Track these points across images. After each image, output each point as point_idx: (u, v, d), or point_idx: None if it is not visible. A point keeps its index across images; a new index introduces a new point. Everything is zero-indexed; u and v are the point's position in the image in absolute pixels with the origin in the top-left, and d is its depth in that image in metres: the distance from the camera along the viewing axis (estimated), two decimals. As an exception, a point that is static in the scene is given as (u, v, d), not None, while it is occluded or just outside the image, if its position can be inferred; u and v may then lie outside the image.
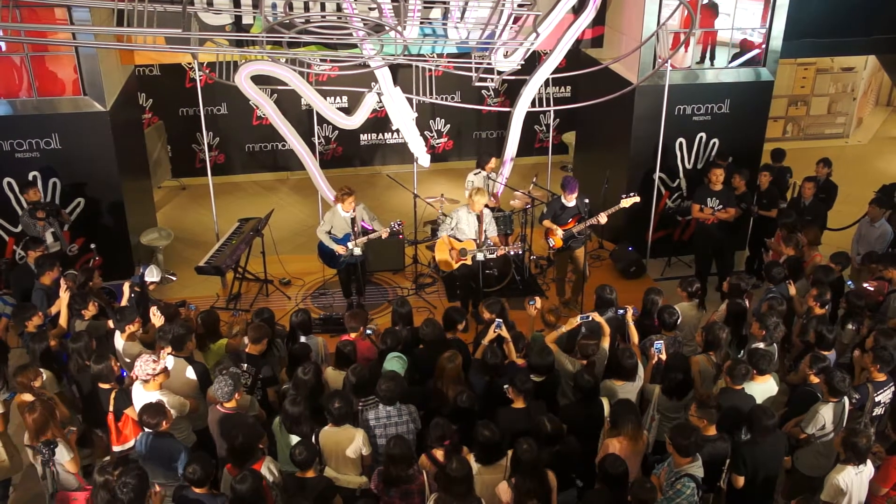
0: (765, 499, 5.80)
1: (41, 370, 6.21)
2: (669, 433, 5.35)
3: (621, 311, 6.89)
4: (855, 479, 5.33)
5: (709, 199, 8.99)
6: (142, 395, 5.87)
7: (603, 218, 8.44)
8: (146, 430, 5.56)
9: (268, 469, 5.34)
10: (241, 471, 5.02)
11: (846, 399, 5.89)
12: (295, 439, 5.64)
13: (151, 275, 7.64)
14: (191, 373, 6.27)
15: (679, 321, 6.81)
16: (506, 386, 5.90)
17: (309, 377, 5.96)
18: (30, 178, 9.03)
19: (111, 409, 6.00)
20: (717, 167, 9.04)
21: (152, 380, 5.85)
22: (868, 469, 5.40)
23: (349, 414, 5.66)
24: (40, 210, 8.40)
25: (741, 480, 5.61)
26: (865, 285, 7.48)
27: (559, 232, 8.63)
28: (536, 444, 5.20)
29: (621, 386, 6.16)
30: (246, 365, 6.28)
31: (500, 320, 6.65)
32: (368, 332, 6.92)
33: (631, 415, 5.59)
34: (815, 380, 6.11)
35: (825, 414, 5.79)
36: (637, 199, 8.56)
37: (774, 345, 6.58)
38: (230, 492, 4.98)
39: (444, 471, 4.91)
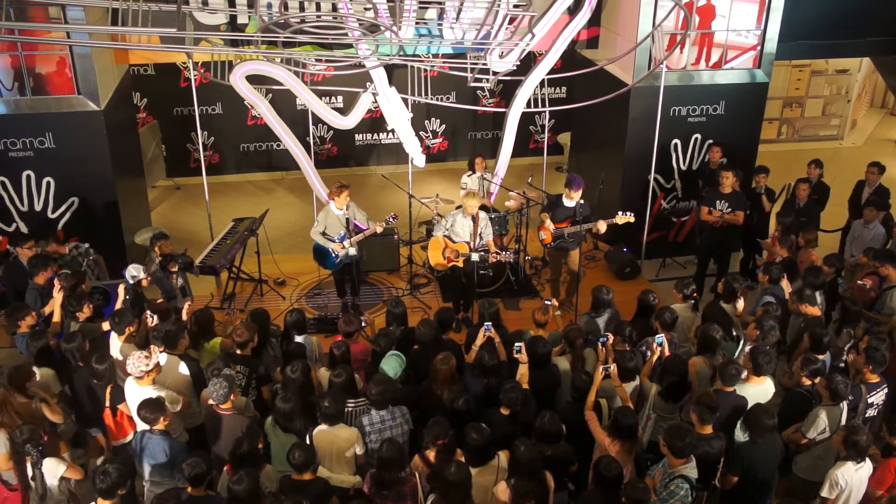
0: (760, 500, 5.79)
1: (39, 368, 6.19)
2: (664, 434, 5.33)
3: (606, 367, 6.16)
4: (854, 475, 5.35)
5: (718, 201, 9.00)
6: (135, 391, 5.88)
7: (602, 226, 8.40)
8: (143, 426, 5.54)
9: (266, 478, 5.34)
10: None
11: (844, 402, 5.89)
12: (290, 438, 5.63)
13: (136, 273, 7.55)
14: (184, 368, 6.26)
15: (678, 321, 6.81)
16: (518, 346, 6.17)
17: (297, 375, 5.96)
18: (23, 177, 8.99)
19: (108, 404, 6.01)
20: (727, 170, 9.05)
21: (145, 376, 5.85)
22: (867, 466, 5.41)
23: (341, 413, 5.65)
24: (172, 263, 7.99)
25: (734, 480, 5.61)
26: (860, 282, 7.50)
27: (551, 227, 8.61)
28: (538, 440, 5.21)
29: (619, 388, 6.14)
30: (239, 366, 6.27)
31: (490, 323, 6.65)
32: (362, 325, 6.92)
33: (630, 428, 5.53)
34: (807, 382, 6.12)
35: (825, 418, 5.79)
36: (632, 219, 8.43)
37: (768, 347, 6.58)
38: (227, 492, 4.96)
39: (442, 476, 4.88)
